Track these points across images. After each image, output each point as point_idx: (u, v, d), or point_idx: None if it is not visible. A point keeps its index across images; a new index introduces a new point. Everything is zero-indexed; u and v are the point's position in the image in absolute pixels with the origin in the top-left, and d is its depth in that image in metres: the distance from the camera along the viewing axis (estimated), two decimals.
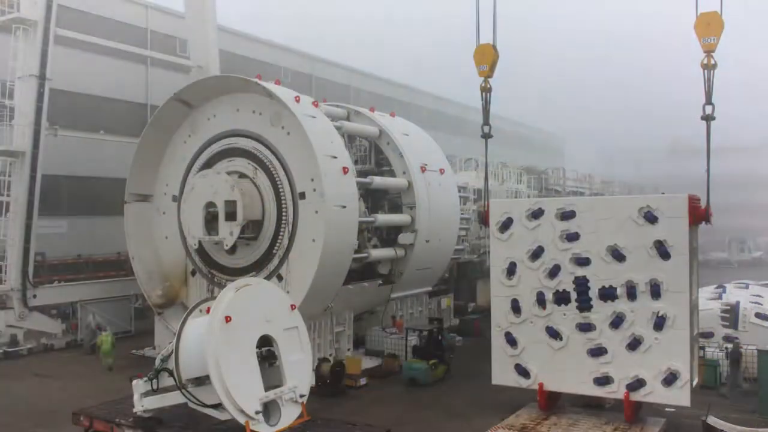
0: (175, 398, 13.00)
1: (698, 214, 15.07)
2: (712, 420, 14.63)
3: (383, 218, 23.45)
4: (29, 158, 24.02)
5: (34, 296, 24.01)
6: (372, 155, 25.13)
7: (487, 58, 19.55)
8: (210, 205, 20.88)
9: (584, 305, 15.52)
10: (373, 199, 24.50)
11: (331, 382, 18.46)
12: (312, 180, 19.89)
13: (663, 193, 16.32)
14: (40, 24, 23.89)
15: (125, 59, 30.17)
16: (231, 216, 20.47)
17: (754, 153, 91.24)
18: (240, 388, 12.24)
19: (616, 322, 15.16)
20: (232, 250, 21.47)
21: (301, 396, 13.22)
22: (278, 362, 13.13)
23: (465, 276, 33.74)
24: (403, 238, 23.83)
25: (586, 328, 15.50)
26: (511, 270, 16.34)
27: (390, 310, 24.16)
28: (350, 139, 24.50)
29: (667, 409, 16.38)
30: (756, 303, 21.86)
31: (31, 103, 23.89)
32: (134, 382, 13.21)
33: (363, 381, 19.67)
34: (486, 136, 19.43)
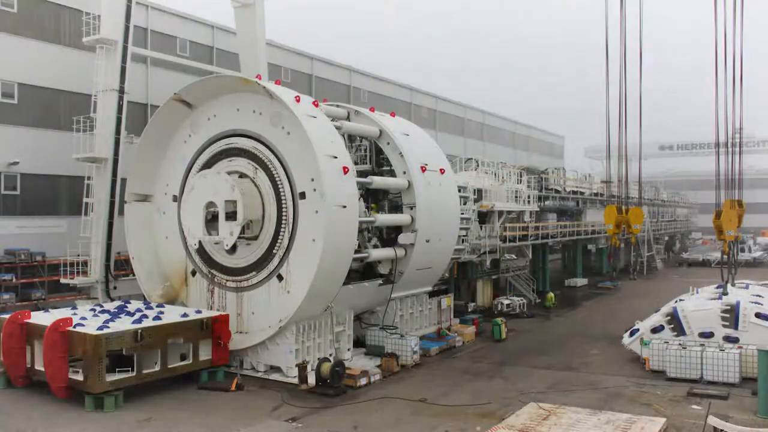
0: None
1: None
2: (712, 420, 14.66)
3: (383, 218, 23.45)
4: (110, 164, 25.84)
5: (115, 288, 26.05)
6: (372, 155, 25.15)
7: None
8: (210, 205, 20.90)
9: None
10: (374, 199, 24.51)
11: (331, 381, 18.47)
12: (312, 180, 19.90)
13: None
14: (119, 44, 25.73)
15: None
16: (231, 216, 20.49)
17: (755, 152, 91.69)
18: None
19: None
20: (232, 250, 21.50)
21: None
22: None
23: (465, 276, 33.78)
24: (403, 238, 23.84)
25: None
26: None
27: (390, 310, 24.15)
28: (350, 139, 24.51)
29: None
30: (756, 303, 21.85)
31: (112, 115, 25.78)
32: None
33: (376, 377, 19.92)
34: None
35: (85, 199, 26.14)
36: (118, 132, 25.82)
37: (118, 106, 25.79)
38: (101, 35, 25.47)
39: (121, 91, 25.85)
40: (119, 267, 26.75)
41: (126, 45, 25.87)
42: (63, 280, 25.40)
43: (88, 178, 26.18)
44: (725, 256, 25.70)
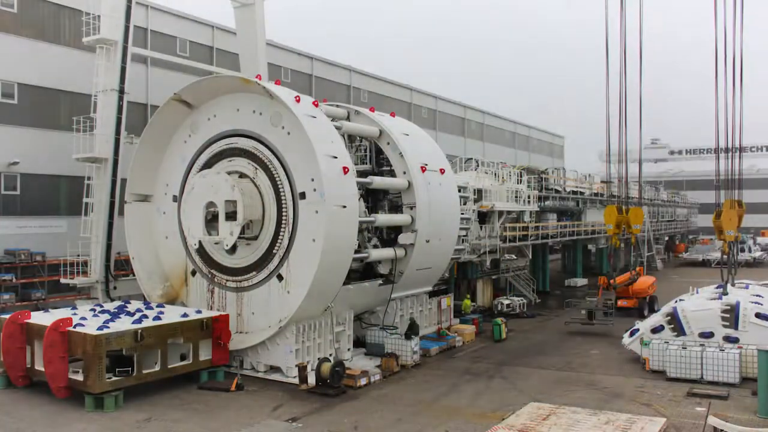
0: None
1: None
2: (712, 420, 14.66)
3: (383, 218, 23.45)
4: (110, 164, 25.80)
5: (115, 288, 26.02)
6: (372, 155, 25.15)
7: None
8: (210, 205, 20.91)
9: None
10: (374, 199, 24.51)
11: (331, 381, 18.47)
12: (312, 180, 19.90)
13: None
14: (119, 44, 25.74)
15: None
16: (231, 216, 20.50)
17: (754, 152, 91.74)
18: None
19: None
20: (233, 250, 21.50)
21: None
22: None
23: (465, 276, 33.77)
24: (403, 238, 23.84)
25: None
26: None
27: (390, 310, 24.15)
28: (350, 139, 24.51)
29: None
30: (756, 303, 21.85)
31: (112, 115, 25.74)
32: None
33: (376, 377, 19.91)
34: None
35: (85, 199, 26.14)
36: (118, 132, 25.84)
37: (118, 106, 25.81)
38: (101, 35, 25.50)
39: (121, 91, 25.89)
40: (119, 267, 26.78)
41: (126, 45, 25.91)
42: (63, 280, 25.41)
43: (88, 178, 26.17)
44: (725, 256, 25.67)
